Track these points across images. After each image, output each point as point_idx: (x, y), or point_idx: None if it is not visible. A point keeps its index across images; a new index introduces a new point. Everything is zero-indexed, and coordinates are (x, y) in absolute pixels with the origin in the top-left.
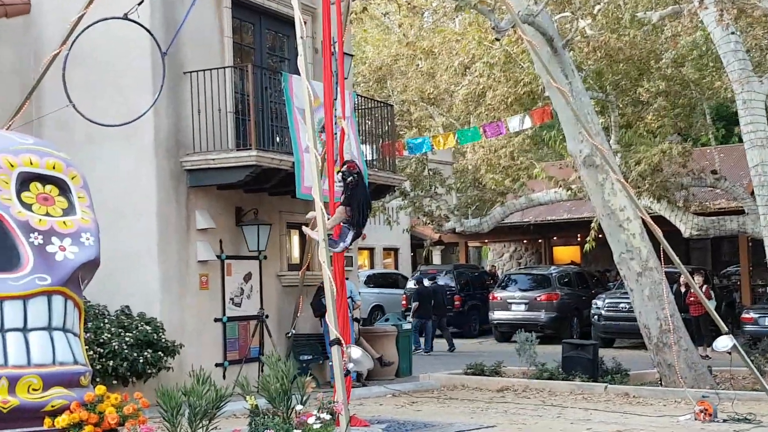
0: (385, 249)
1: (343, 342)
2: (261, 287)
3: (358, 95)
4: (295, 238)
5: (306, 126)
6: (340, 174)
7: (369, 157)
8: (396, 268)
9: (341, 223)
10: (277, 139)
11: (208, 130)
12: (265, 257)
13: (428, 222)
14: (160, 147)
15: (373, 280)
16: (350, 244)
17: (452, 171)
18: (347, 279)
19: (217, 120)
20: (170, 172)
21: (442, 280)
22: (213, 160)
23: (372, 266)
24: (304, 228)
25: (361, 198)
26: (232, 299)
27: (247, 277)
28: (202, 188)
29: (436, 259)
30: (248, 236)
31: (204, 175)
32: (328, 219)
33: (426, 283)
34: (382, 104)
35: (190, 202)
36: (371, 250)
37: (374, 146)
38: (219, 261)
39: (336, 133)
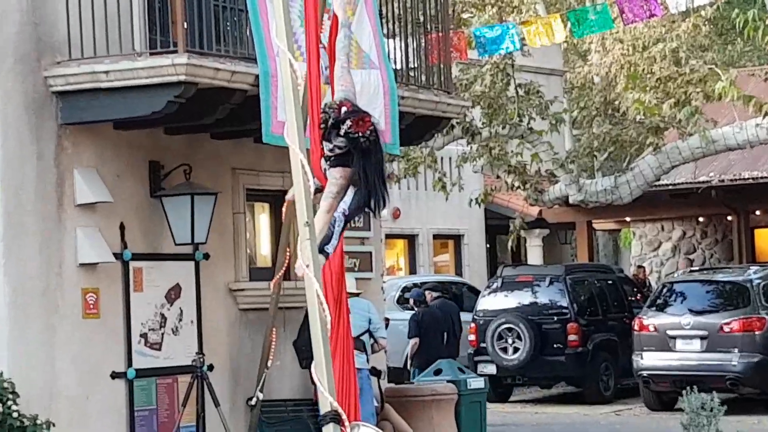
0: (437, 237)
1: (344, 418)
2: (199, 312)
3: None
4: (263, 220)
5: (276, 10)
6: (340, 128)
7: (399, 64)
8: (458, 272)
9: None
10: (227, 37)
11: (97, 20)
12: (207, 256)
13: (517, 185)
14: (5, 50)
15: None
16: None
17: (562, 88)
18: (358, 294)
19: (113, 1)
20: (24, 98)
21: (543, 293)
22: (106, 73)
23: (412, 269)
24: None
25: (373, 173)
26: (144, 336)
27: (173, 294)
28: (87, 127)
29: (534, 253)
30: (174, 217)
31: (89, 102)
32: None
33: (429, 300)
34: None
35: (64, 153)
36: (411, 238)
37: (411, 42)
38: (119, 264)
39: (323, 24)
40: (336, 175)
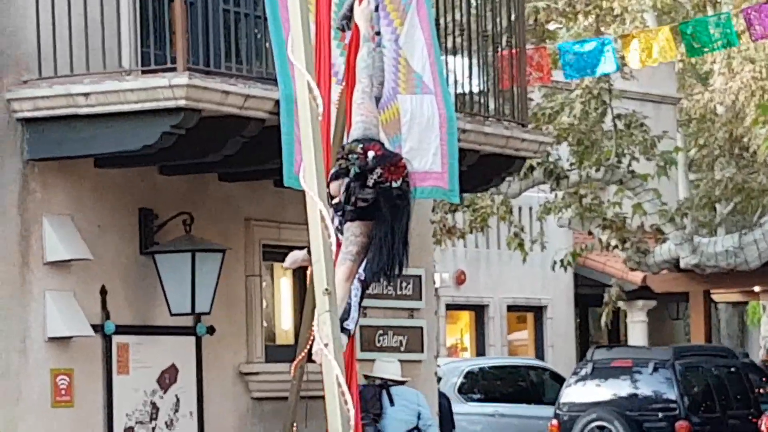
0: (512, 308)
1: None
2: (200, 401)
3: None
4: (284, 285)
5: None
6: (368, 179)
7: (461, 88)
8: (538, 353)
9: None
10: (242, 52)
11: (75, 29)
12: (211, 330)
13: (615, 244)
14: None
15: (482, 385)
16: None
17: (676, 120)
18: (404, 383)
19: (95, 7)
20: None
21: (645, 383)
22: (85, 96)
23: (480, 349)
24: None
25: (400, 231)
26: (130, 430)
27: (168, 378)
28: (61, 165)
29: (637, 331)
30: (170, 280)
31: (64, 133)
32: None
33: None
34: None
35: (31, 198)
36: (479, 310)
37: (477, 60)
38: (99, 339)
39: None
40: (356, 232)
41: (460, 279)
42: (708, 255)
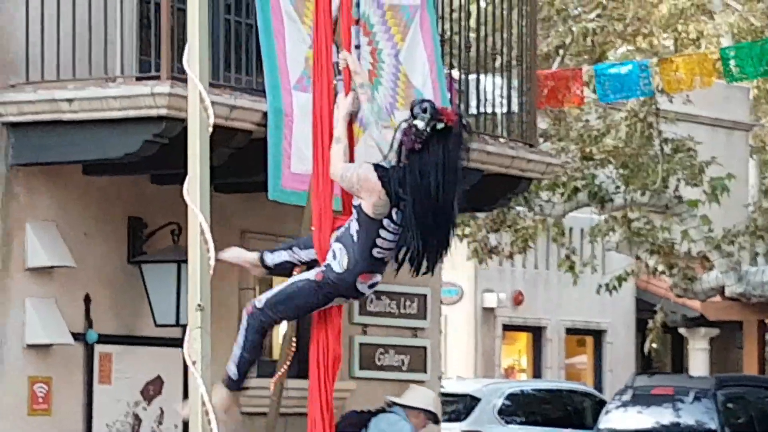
0: (571, 331)
1: None
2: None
3: None
4: None
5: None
6: (410, 111)
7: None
8: (597, 378)
9: (340, 234)
10: (243, 64)
11: (63, 32)
12: None
13: (662, 270)
14: None
15: (523, 408)
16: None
17: (749, 147)
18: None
19: (84, 9)
20: None
21: (686, 412)
22: (69, 102)
23: (537, 371)
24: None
25: (431, 181)
26: None
27: (152, 389)
28: (46, 170)
29: (698, 359)
30: (155, 290)
31: (49, 139)
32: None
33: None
34: None
35: (14, 202)
36: (536, 332)
37: (484, 77)
38: (81, 348)
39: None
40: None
41: (517, 299)
42: (754, 284)
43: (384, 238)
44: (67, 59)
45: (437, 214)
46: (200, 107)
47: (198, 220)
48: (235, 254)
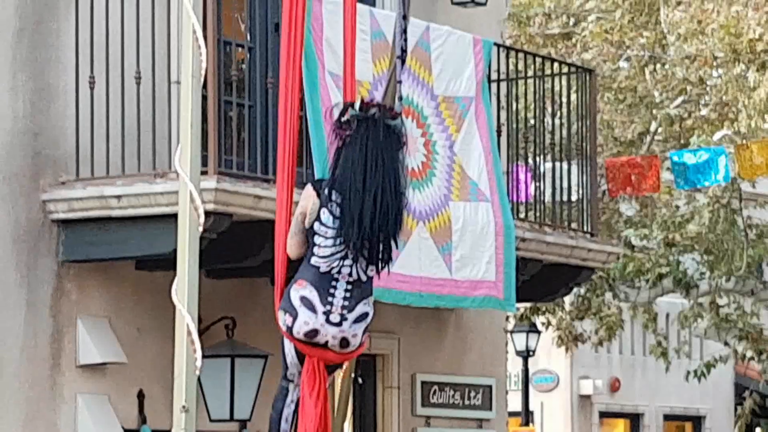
0: (669, 418)
1: None
2: None
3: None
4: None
5: None
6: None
7: (524, 196)
8: None
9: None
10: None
11: (113, 128)
12: None
13: (750, 356)
14: None
15: None
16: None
17: None
18: None
19: (132, 105)
20: (13, 227)
21: None
22: (117, 198)
23: None
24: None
25: (361, 169)
26: None
27: None
28: (97, 266)
29: None
30: (209, 386)
31: (99, 235)
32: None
33: None
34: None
35: (65, 299)
36: (634, 419)
37: (542, 167)
38: None
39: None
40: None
41: (614, 386)
42: None
43: (317, 245)
44: (116, 155)
45: (377, 202)
46: (190, 207)
47: (185, 321)
48: None
